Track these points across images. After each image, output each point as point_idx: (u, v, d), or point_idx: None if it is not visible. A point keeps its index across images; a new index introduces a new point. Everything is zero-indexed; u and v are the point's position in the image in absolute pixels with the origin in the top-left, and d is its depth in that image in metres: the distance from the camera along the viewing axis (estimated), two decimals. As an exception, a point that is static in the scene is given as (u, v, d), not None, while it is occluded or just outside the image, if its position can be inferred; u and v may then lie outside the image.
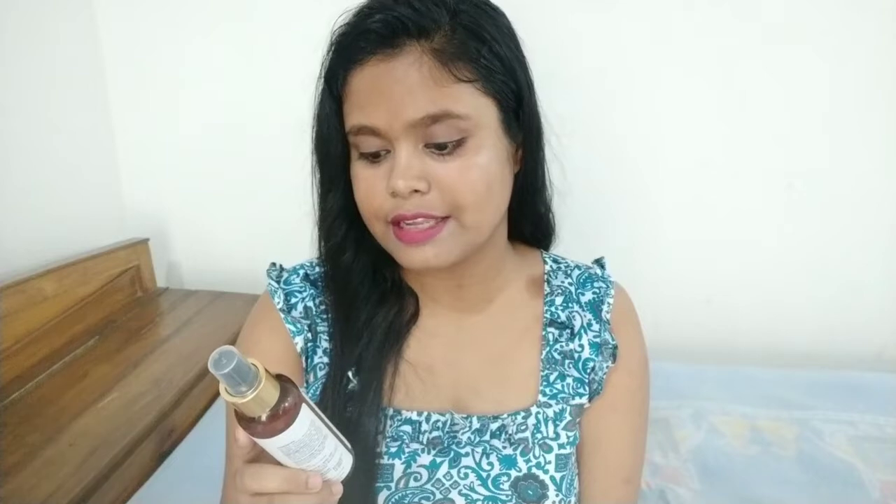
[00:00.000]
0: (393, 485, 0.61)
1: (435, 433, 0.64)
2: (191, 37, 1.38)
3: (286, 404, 0.43)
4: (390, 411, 0.64)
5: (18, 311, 1.12)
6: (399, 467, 0.62)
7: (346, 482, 0.51)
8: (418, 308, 0.68)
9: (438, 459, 0.62)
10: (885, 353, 1.36)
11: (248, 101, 1.39)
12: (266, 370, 0.43)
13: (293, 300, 0.68)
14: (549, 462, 0.63)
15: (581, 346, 0.67)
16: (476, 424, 0.64)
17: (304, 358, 0.67)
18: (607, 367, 0.66)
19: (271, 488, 0.46)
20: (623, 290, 0.73)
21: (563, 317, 0.69)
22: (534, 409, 0.65)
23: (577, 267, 0.74)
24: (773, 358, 1.34)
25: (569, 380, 0.66)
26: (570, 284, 0.71)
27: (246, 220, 1.49)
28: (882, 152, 1.24)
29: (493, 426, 0.64)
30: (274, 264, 0.72)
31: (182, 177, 1.49)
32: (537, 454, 0.63)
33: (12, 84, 1.21)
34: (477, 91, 0.56)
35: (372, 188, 0.58)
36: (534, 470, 0.62)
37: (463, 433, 0.64)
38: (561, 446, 0.64)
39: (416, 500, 0.61)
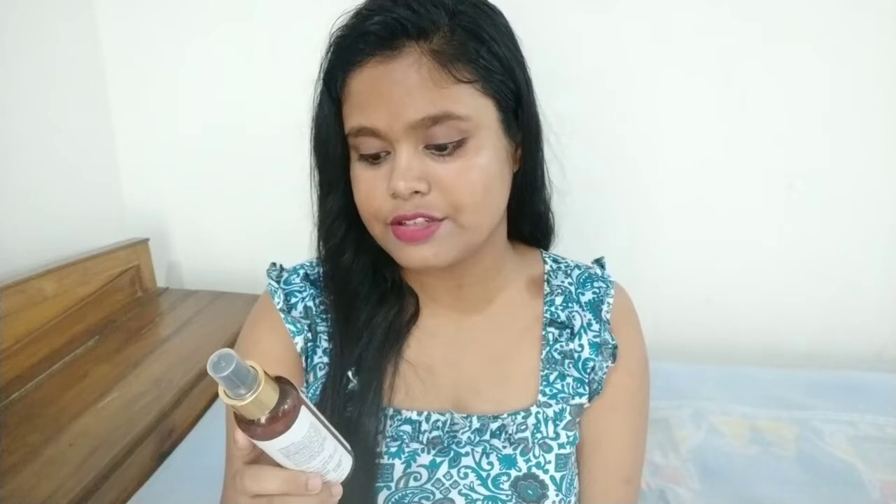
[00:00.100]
0: (393, 484, 0.61)
1: (435, 433, 0.64)
2: (191, 37, 1.38)
3: (285, 406, 0.43)
4: (390, 411, 0.64)
5: (18, 311, 1.12)
6: (399, 467, 0.62)
7: (346, 483, 0.51)
8: (418, 308, 0.68)
9: (438, 459, 0.62)
10: (885, 353, 1.36)
11: (248, 101, 1.39)
12: (265, 372, 0.43)
13: (293, 300, 0.68)
14: (549, 462, 0.63)
15: (581, 345, 0.67)
16: (476, 424, 0.64)
17: (304, 358, 0.67)
18: (607, 366, 0.66)
19: (271, 490, 0.46)
20: (623, 289, 0.73)
21: (562, 317, 0.69)
22: (534, 409, 0.65)
23: (577, 267, 0.74)
24: (773, 358, 1.34)
25: (569, 380, 0.66)
26: (570, 284, 0.71)
27: (246, 220, 1.49)
28: (882, 152, 1.24)
29: (493, 426, 0.64)
30: (274, 264, 0.72)
31: (182, 177, 1.49)
32: (537, 454, 0.63)
33: (12, 84, 1.21)
34: (476, 92, 0.56)
35: (372, 189, 0.58)
36: (534, 470, 0.62)
37: (463, 433, 0.64)
38: (561, 446, 0.64)
39: (416, 499, 0.61)
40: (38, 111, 1.27)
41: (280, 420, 0.43)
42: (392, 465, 0.62)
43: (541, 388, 0.66)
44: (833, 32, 1.18)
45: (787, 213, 1.30)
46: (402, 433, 0.64)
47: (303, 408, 0.44)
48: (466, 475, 0.62)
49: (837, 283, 1.33)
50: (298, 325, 0.67)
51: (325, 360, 0.66)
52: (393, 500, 0.61)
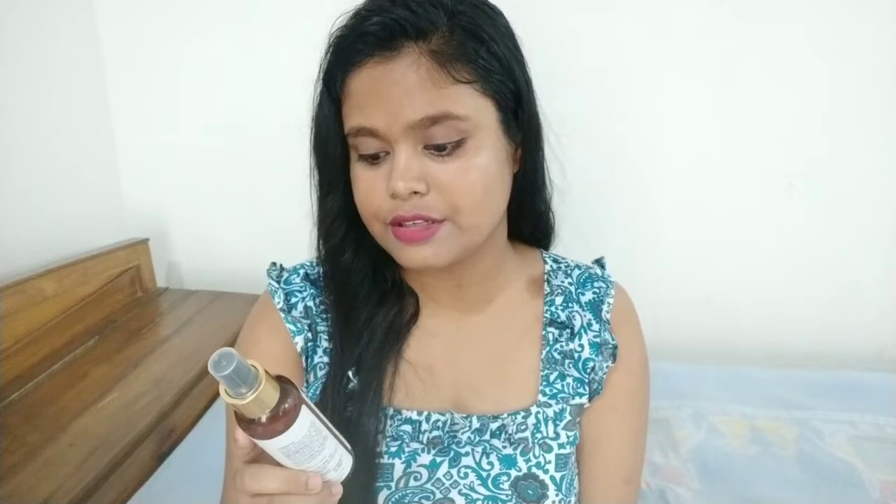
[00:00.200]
0: (393, 484, 0.61)
1: (435, 433, 0.64)
2: (191, 37, 1.38)
3: (286, 406, 0.43)
4: (390, 411, 0.64)
5: (18, 311, 1.12)
6: (399, 467, 0.62)
7: (346, 482, 0.51)
8: (418, 308, 0.68)
9: (438, 459, 0.62)
10: (885, 353, 1.36)
11: (248, 101, 1.39)
12: (266, 371, 0.43)
13: (293, 300, 0.68)
14: (549, 462, 0.63)
15: (581, 345, 0.67)
16: (476, 424, 0.64)
17: (304, 357, 0.67)
18: (607, 366, 0.66)
19: (271, 489, 0.46)
20: (623, 290, 0.73)
21: (563, 316, 0.69)
22: (534, 409, 0.65)
23: (578, 267, 0.74)
24: (773, 358, 1.34)
25: (569, 380, 0.66)
26: (570, 284, 0.71)
27: (246, 220, 1.49)
28: (882, 152, 1.24)
29: (493, 426, 0.64)
30: (274, 264, 0.72)
31: (182, 177, 1.49)
32: (537, 454, 0.63)
33: (12, 84, 1.21)
34: (476, 92, 0.56)
35: (371, 189, 0.58)
36: (534, 470, 0.62)
37: (463, 433, 0.64)
38: (561, 446, 0.64)
39: (416, 499, 0.61)
40: (38, 111, 1.27)
41: (281, 419, 0.43)
42: (392, 465, 0.62)
43: (541, 388, 0.66)
44: (833, 32, 1.18)
45: (787, 213, 1.30)
46: (402, 433, 0.64)
47: (303, 407, 0.44)
48: (466, 475, 0.62)
49: (837, 283, 1.33)
50: (299, 325, 0.67)
51: (326, 359, 0.66)
52: (393, 499, 0.61)
